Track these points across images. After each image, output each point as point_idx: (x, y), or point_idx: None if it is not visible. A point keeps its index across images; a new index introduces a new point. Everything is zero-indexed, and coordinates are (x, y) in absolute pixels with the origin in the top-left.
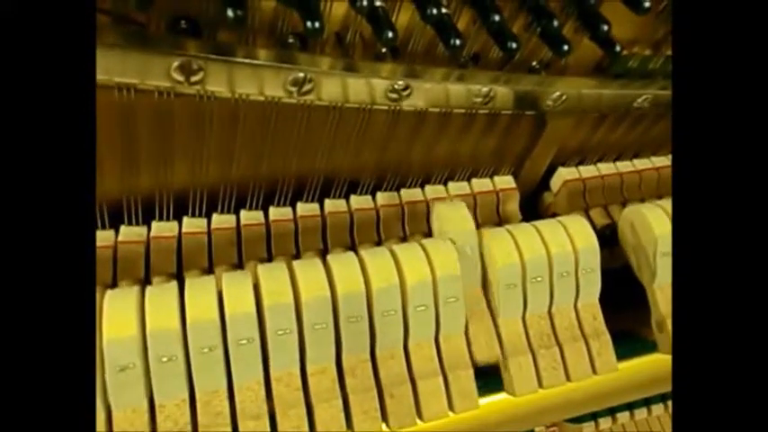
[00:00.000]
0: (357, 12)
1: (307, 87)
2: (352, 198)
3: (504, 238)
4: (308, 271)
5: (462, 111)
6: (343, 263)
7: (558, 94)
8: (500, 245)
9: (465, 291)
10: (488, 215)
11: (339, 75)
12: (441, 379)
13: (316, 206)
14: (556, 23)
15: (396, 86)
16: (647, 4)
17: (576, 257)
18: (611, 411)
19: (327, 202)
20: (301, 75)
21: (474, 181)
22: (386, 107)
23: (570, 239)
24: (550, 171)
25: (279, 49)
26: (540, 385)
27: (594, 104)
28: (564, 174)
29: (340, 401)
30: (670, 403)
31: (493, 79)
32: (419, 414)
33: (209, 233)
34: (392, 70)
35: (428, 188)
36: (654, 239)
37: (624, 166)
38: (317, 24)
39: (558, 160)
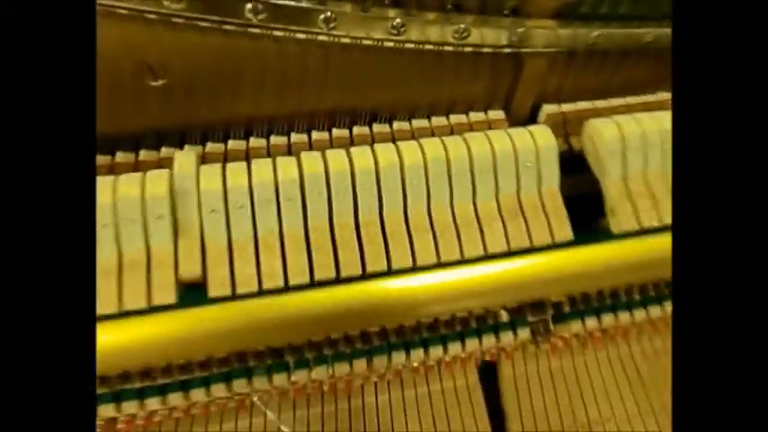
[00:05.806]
0: None
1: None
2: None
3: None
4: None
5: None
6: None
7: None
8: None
9: None
10: None
11: None
12: None
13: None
14: None
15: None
16: None
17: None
18: (597, 312)
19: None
20: None
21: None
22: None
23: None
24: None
25: None
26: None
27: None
28: (547, 109)
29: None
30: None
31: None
32: None
33: (268, 148)
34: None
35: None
36: (604, 143)
37: (615, 101)
38: None
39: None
